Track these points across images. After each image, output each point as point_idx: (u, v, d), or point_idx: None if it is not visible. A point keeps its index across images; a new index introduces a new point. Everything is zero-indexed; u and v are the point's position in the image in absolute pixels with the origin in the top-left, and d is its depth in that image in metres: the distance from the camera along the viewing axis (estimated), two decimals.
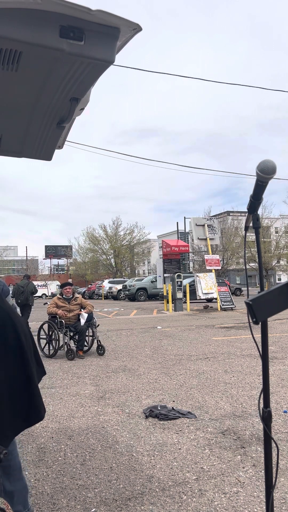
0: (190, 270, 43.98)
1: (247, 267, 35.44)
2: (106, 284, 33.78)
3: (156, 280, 24.79)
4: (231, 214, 45.38)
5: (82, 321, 7.32)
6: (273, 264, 38.85)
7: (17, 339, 1.90)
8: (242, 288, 33.28)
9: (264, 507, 2.22)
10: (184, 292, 17.47)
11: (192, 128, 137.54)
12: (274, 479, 1.52)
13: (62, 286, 7.78)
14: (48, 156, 2.91)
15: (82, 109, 2.34)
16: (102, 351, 7.26)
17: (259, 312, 1.45)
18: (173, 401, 4.31)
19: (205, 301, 19.75)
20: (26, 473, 2.77)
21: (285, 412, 3.89)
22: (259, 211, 1.72)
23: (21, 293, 11.15)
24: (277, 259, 39.29)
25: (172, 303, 17.13)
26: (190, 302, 17.86)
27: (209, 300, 19.43)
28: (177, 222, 46.80)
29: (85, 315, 7.38)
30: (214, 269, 17.57)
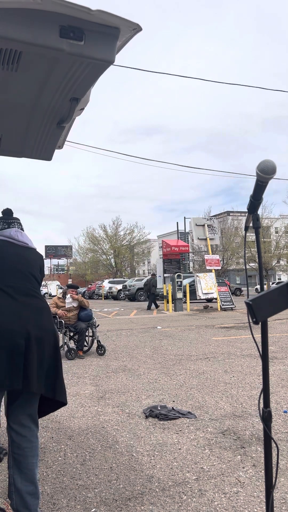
0: (190, 270, 43.99)
1: (247, 267, 35.47)
2: (106, 284, 33.76)
3: (148, 282, 24.77)
4: (231, 214, 45.39)
5: (69, 299, 7.35)
6: (273, 264, 38.84)
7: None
8: (242, 288, 33.28)
9: (264, 507, 2.22)
10: (184, 292, 17.47)
11: (195, 126, 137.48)
12: (274, 479, 1.52)
13: (68, 286, 7.76)
14: (48, 156, 2.91)
15: (82, 109, 2.35)
16: (102, 351, 7.26)
17: (259, 312, 1.46)
18: (173, 401, 4.31)
19: (205, 301, 19.76)
20: None
21: (285, 412, 3.89)
22: (259, 211, 1.72)
23: (145, 285, 19.69)
24: (277, 259, 39.27)
25: (172, 303, 17.14)
26: (190, 302, 17.86)
27: (209, 300, 19.44)
28: (177, 222, 46.96)
29: (70, 298, 7.39)
30: (214, 269, 17.57)
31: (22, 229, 2.47)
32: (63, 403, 2.24)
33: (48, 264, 68.00)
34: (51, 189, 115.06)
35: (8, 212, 2.49)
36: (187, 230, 43.55)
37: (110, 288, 32.12)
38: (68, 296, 7.42)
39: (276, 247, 38.52)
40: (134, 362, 6.52)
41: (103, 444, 3.25)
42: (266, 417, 1.54)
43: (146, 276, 37.93)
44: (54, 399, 2.19)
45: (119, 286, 30.81)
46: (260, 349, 1.56)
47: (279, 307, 1.48)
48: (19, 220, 2.51)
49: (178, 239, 29.81)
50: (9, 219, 2.44)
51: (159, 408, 3.96)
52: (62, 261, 70.05)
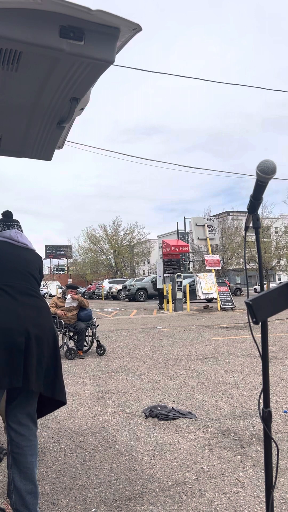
0: (190, 270, 43.99)
1: (247, 267, 35.47)
2: (106, 284, 33.78)
3: (156, 280, 24.83)
4: (231, 214, 45.39)
5: (69, 299, 7.34)
6: (273, 264, 38.85)
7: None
8: (242, 288, 33.30)
9: (264, 507, 2.22)
10: (184, 292, 17.47)
11: (195, 126, 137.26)
12: (274, 479, 1.52)
13: (68, 287, 7.75)
14: (48, 156, 2.91)
15: (82, 109, 2.35)
16: (102, 351, 7.26)
17: (259, 312, 1.46)
18: (173, 401, 4.31)
19: (205, 301, 19.76)
20: None
21: (285, 412, 3.89)
22: (259, 211, 1.72)
23: (154, 284, 20.29)
24: (277, 259, 39.28)
25: (172, 303, 17.14)
26: (190, 302, 17.87)
27: (209, 300, 19.44)
28: (177, 222, 46.82)
29: (70, 298, 7.37)
30: (214, 269, 17.57)
31: (21, 231, 2.50)
32: (63, 402, 2.24)
33: (48, 264, 67.93)
34: (51, 189, 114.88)
35: (8, 215, 2.52)
36: (187, 230, 43.55)
37: (110, 288, 32.13)
38: (68, 296, 7.42)
39: (276, 247, 38.53)
40: (134, 362, 6.52)
41: (103, 444, 3.26)
42: (266, 417, 1.54)
43: (146, 276, 37.96)
44: (53, 398, 2.19)
45: (119, 286, 30.81)
46: (260, 349, 1.56)
47: (279, 307, 1.48)
48: (18, 222, 2.54)
49: (178, 239, 29.81)
50: (9, 222, 2.47)
51: (159, 408, 3.96)
52: (62, 261, 70.03)
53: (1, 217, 2.51)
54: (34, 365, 2.05)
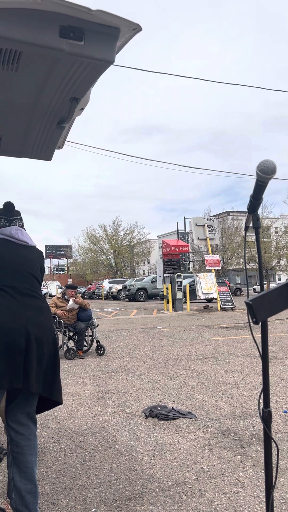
0: (190, 270, 44.00)
1: (247, 267, 35.47)
2: (106, 284, 33.78)
3: (156, 280, 24.83)
4: (231, 214, 45.39)
5: (71, 303, 7.33)
6: (273, 264, 38.84)
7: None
8: (242, 288, 33.31)
9: (264, 507, 2.22)
10: (184, 292, 17.47)
11: (196, 126, 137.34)
12: (274, 479, 1.52)
13: (67, 287, 7.73)
14: (48, 156, 2.91)
15: (82, 109, 2.35)
16: (102, 351, 7.26)
17: (259, 312, 1.45)
18: (173, 401, 4.31)
19: (205, 301, 19.76)
20: None
21: (285, 412, 3.89)
22: (259, 211, 1.72)
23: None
24: (277, 259, 39.28)
25: (172, 303, 17.14)
26: (190, 302, 17.87)
27: (209, 300, 19.45)
28: (177, 222, 46.80)
29: (72, 302, 7.36)
30: (214, 269, 17.58)
31: (22, 225, 2.41)
32: (58, 402, 2.25)
33: (48, 264, 67.86)
34: (51, 189, 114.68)
35: (9, 208, 2.40)
36: (187, 230, 43.56)
37: (110, 288, 32.13)
38: (70, 300, 7.38)
39: (276, 247, 38.52)
40: (134, 362, 6.52)
41: (103, 444, 3.26)
42: (266, 417, 1.54)
43: (146, 276, 37.98)
44: (51, 399, 2.20)
45: (119, 286, 30.82)
46: (260, 349, 1.55)
47: (279, 307, 1.48)
48: (20, 215, 2.42)
49: (178, 239, 29.81)
50: (11, 216, 2.37)
51: (159, 408, 3.96)
52: (62, 261, 70.04)
53: (3, 209, 2.39)
54: (34, 366, 2.05)
